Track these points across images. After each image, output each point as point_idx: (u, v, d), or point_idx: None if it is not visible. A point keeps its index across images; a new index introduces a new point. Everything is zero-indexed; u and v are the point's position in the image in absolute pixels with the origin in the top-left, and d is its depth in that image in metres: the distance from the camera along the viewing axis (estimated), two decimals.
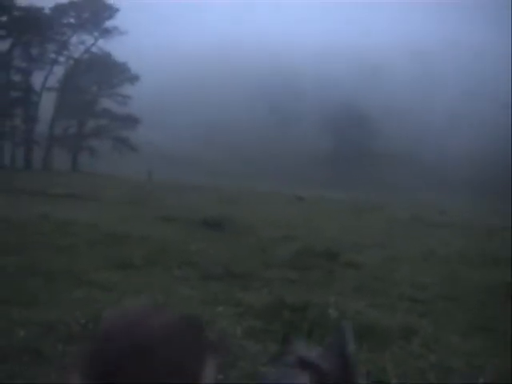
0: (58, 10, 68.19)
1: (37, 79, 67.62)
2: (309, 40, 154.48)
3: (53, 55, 69.12)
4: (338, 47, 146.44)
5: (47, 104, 67.11)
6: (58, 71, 69.46)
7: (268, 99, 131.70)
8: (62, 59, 70.30)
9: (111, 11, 69.65)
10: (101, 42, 70.61)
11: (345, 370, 1.48)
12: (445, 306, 9.10)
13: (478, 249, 15.81)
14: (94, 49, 71.41)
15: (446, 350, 6.64)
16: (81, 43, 70.61)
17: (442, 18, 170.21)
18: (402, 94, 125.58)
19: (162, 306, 1.14)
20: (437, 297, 9.70)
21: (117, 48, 69.66)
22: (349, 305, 7.97)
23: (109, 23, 69.70)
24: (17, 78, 67.11)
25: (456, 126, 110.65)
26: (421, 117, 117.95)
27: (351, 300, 8.63)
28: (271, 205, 31.99)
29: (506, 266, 13.15)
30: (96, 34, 70.22)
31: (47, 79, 67.67)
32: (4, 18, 63.35)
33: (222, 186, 51.41)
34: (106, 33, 69.79)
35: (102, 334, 1.10)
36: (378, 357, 6.07)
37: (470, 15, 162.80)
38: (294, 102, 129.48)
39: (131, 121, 71.33)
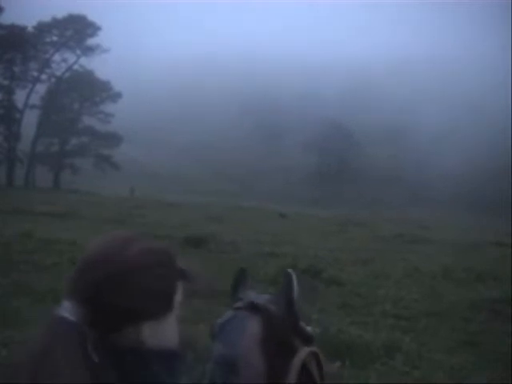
0: (41, 28, 68.22)
1: (19, 97, 67.45)
2: (294, 57, 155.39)
3: (35, 73, 69.03)
4: (325, 64, 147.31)
5: (30, 122, 66.87)
6: (41, 89, 69.38)
7: (253, 116, 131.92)
8: (44, 77, 70.29)
9: (94, 29, 69.72)
10: (83, 60, 70.74)
11: (290, 314, 1.61)
12: (428, 322, 9.15)
13: (462, 265, 15.87)
14: (76, 67, 71.46)
15: (429, 365, 6.69)
16: (63, 61, 70.64)
17: (435, 30, 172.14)
18: (391, 111, 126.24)
19: (139, 233, 1.22)
20: (420, 313, 9.75)
21: (99, 66, 69.76)
22: (332, 322, 7.99)
23: (91, 41, 69.84)
24: None
25: (443, 144, 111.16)
26: (407, 134, 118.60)
27: (334, 317, 8.67)
28: (255, 222, 31.96)
29: (490, 282, 13.24)
30: (78, 51, 70.25)
31: (30, 97, 67.48)
32: None
33: (205, 203, 51.31)
34: (89, 51, 69.82)
35: (84, 261, 1.24)
36: (362, 374, 6.11)
37: (465, 26, 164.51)
38: (280, 120, 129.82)
39: (114, 139, 71.37)
